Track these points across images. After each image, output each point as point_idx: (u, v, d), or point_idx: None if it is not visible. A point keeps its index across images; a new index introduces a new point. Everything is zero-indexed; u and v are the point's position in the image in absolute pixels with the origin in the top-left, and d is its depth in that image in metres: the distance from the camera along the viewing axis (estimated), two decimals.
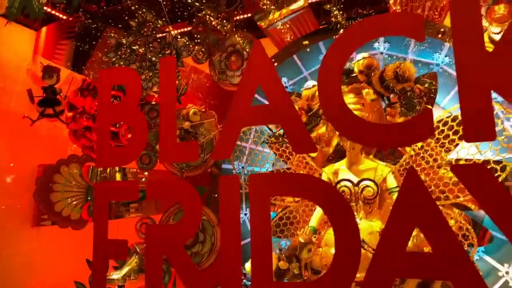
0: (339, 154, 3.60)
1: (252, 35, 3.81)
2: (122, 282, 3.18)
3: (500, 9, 2.81)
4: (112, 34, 4.25)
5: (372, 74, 3.03)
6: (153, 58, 4.04)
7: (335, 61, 1.55)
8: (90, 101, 4.24)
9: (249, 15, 3.87)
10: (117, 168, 4.26)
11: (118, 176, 4.27)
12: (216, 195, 4.04)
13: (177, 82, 4.05)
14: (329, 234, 3.16)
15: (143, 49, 4.04)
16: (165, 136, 1.85)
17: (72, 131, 4.33)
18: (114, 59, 4.09)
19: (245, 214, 3.94)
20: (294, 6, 3.89)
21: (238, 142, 3.80)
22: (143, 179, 4.18)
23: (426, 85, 3.11)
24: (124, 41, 4.16)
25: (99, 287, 1.91)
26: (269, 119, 1.78)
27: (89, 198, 3.79)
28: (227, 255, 1.69)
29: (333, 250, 3.00)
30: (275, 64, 3.63)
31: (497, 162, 2.93)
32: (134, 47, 4.15)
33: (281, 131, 3.52)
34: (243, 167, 3.89)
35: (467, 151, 3.04)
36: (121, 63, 4.15)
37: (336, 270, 1.50)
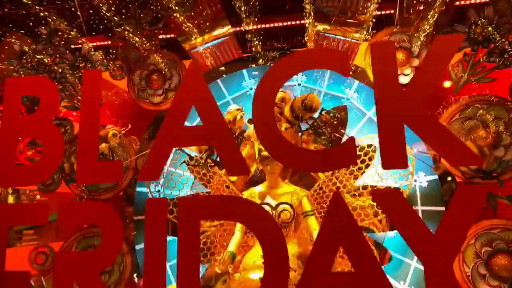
0: (256, 179, 3.70)
1: (175, 55, 3.76)
2: None
3: (399, 55, 3.24)
4: (14, 40, 3.83)
5: (284, 105, 3.27)
6: (64, 70, 3.73)
7: (268, 90, 1.61)
8: None
9: (173, 35, 3.83)
10: (9, 190, 3.75)
11: (10, 199, 3.76)
12: (127, 220, 3.78)
13: None
14: (247, 258, 3.17)
15: (53, 59, 3.70)
16: (85, 155, 1.69)
17: None
18: (16, 67, 3.67)
19: None
20: (217, 33, 3.96)
21: None
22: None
23: (331, 115, 3.42)
24: (28, 49, 3.77)
25: None
26: (203, 140, 1.76)
27: None
28: (152, 281, 1.58)
29: (251, 274, 3.04)
30: None
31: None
32: (40, 56, 3.79)
33: (204, 155, 3.49)
34: (159, 191, 3.72)
35: (372, 178, 3.38)
36: (23, 72, 3.74)
37: None
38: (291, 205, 3.21)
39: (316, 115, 3.35)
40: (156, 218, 1.59)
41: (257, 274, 2.89)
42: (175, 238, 3.54)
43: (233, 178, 3.70)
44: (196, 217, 1.56)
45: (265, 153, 3.18)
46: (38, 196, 3.87)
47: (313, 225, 3.21)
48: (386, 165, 1.56)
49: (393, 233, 3.40)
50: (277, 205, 3.21)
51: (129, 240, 3.70)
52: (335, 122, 3.40)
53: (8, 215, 1.79)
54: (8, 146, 1.79)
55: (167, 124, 1.68)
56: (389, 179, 3.34)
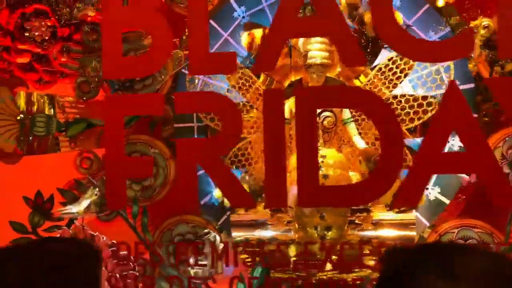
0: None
1: None
2: (82, 216, 2.95)
3: None
4: None
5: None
6: None
7: None
8: (7, 16, 3.50)
9: None
10: (45, 98, 3.71)
11: (46, 108, 3.74)
12: (167, 127, 3.86)
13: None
14: (293, 159, 3.39)
15: None
16: (196, 45, 1.70)
17: None
18: None
19: None
20: None
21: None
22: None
23: None
24: None
25: (117, 206, 1.75)
26: (317, 30, 1.78)
27: (23, 129, 3.28)
28: (274, 175, 1.73)
29: None
30: None
31: (433, 97, 3.47)
32: None
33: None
34: None
35: (409, 88, 3.52)
36: None
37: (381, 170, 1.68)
38: (333, 112, 3.34)
39: None
40: (274, 107, 1.67)
41: None
42: None
43: None
44: (313, 106, 1.65)
45: (311, 61, 3.20)
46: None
47: (352, 131, 3.40)
48: (502, 54, 1.66)
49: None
50: (320, 113, 3.33)
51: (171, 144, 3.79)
52: None
53: (123, 105, 1.83)
54: (113, 38, 1.76)
55: (280, 15, 1.67)
56: (426, 87, 3.48)
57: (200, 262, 2.78)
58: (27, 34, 3.52)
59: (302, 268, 2.65)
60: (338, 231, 2.89)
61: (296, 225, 2.95)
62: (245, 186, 3.25)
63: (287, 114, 3.44)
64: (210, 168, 1.74)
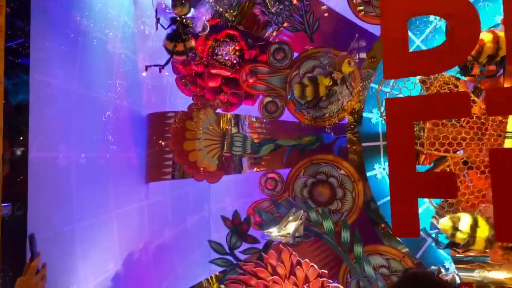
0: None
1: None
2: (290, 241, 2.78)
3: None
4: None
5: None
6: None
7: None
8: (202, 43, 3.70)
9: None
10: (233, 119, 3.78)
11: (233, 129, 3.81)
12: (356, 147, 3.60)
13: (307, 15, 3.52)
14: None
15: None
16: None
17: (179, 77, 3.84)
18: None
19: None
20: None
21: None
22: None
23: None
24: None
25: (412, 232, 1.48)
26: None
27: (224, 147, 3.34)
28: None
29: None
30: None
31: None
32: None
33: None
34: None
35: None
36: None
37: None
38: None
39: None
40: None
41: None
42: None
43: None
44: None
45: None
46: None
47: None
48: None
49: None
50: None
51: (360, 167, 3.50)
52: None
53: (412, 109, 1.58)
54: (396, 29, 1.55)
55: None
56: None
57: None
58: (218, 58, 3.66)
59: None
60: None
61: None
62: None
63: None
64: None
